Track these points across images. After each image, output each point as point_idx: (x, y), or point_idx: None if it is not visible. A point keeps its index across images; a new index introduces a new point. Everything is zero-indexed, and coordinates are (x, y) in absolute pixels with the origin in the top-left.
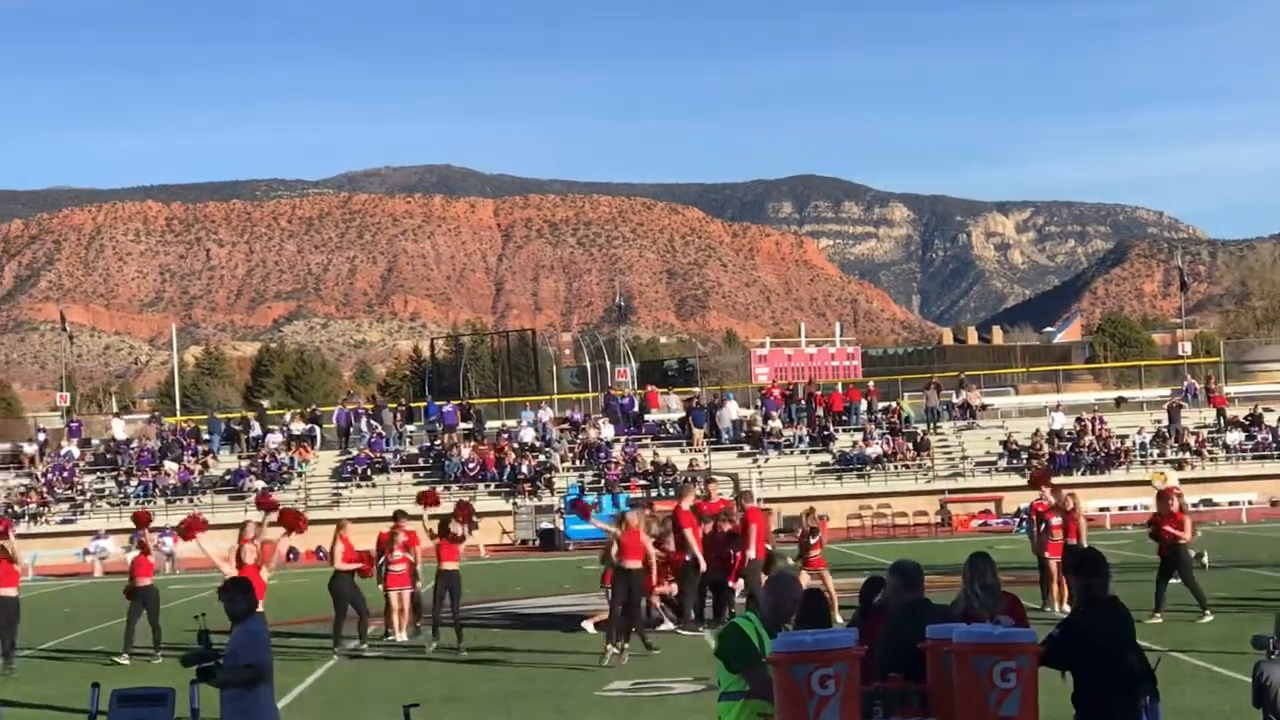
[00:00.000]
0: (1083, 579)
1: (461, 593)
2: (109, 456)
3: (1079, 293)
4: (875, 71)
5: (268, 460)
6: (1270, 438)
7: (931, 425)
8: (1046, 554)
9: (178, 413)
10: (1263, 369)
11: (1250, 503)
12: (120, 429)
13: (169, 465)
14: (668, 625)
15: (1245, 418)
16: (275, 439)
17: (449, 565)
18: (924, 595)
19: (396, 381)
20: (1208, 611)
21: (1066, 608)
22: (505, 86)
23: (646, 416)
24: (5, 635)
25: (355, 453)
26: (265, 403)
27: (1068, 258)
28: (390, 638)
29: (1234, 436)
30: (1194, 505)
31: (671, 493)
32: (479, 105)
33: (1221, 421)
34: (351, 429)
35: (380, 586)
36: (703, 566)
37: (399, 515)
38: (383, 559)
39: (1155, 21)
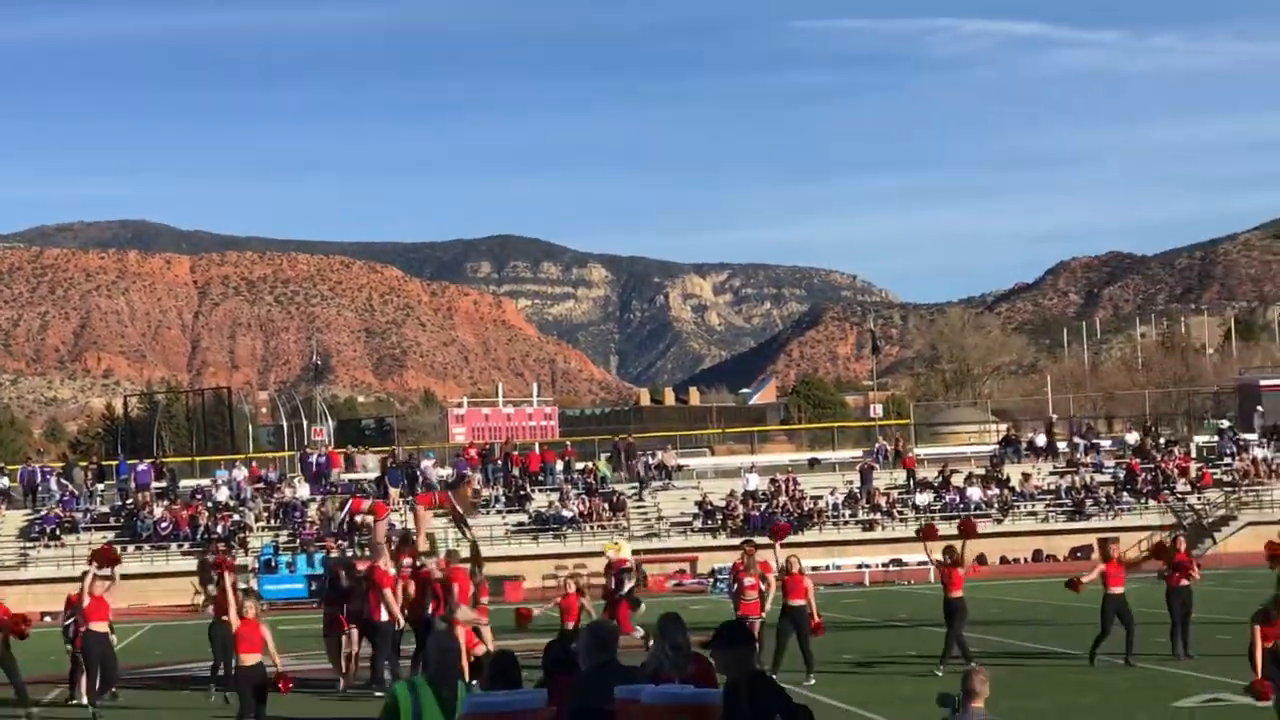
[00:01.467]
0: (736, 650)
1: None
2: None
3: (774, 354)
4: (575, 133)
5: None
6: (958, 498)
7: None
8: (741, 613)
9: None
10: (951, 431)
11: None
12: None
13: None
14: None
15: (934, 479)
16: None
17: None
18: (614, 656)
19: (89, 439)
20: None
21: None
22: (203, 143)
23: (344, 476)
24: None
25: (44, 512)
26: None
27: (764, 320)
28: (74, 701)
29: (923, 498)
30: (883, 565)
31: (368, 553)
32: (176, 161)
33: (911, 483)
34: (40, 488)
35: (68, 647)
36: (400, 625)
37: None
38: (72, 619)
39: (844, 89)
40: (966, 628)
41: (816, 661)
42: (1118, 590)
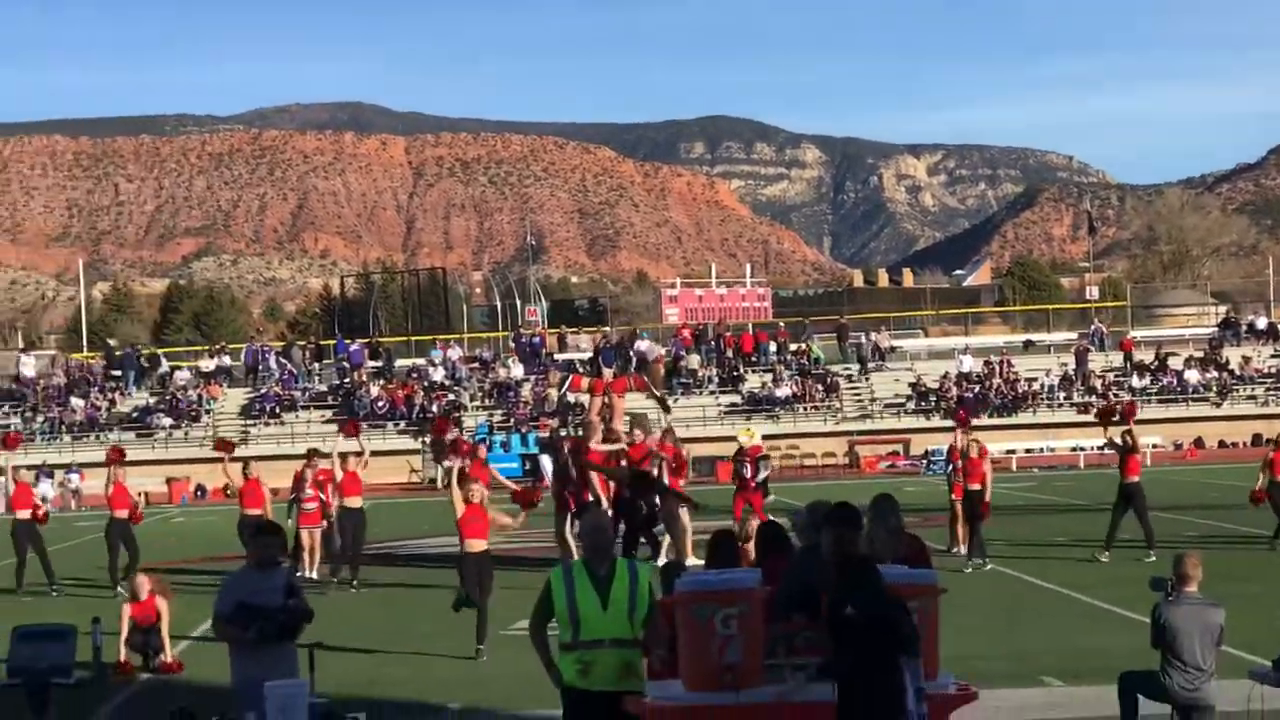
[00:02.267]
0: (834, 530)
1: (364, 531)
2: (16, 392)
3: (989, 236)
4: (789, 12)
5: (175, 398)
6: (1175, 382)
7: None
8: (954, 496)
9: (84, 349)
10: (1168, 313)
11: (1154, 446)
12: (30, 366)
13: (75, 402)
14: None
15: (1151, 362)
16: (184, 376)
17: (352, 502)
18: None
19: (306, 319)
20: (1152, 552)
21: (961, 549)
22: (419, 24)
23: (556, 356)
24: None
25: (264, 390)
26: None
27: (978, 201)
28: (300, 575)
29: (1140, 380)
30: (1099, 448)
31: (579, 432)
32: (392, 43)
33: (1128, 365)
34: (260, 367)
35: (290, 523)
36: (604, 505)
37: (312, 453)
38: (295, 496)
39: None
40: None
41: (986, 547)
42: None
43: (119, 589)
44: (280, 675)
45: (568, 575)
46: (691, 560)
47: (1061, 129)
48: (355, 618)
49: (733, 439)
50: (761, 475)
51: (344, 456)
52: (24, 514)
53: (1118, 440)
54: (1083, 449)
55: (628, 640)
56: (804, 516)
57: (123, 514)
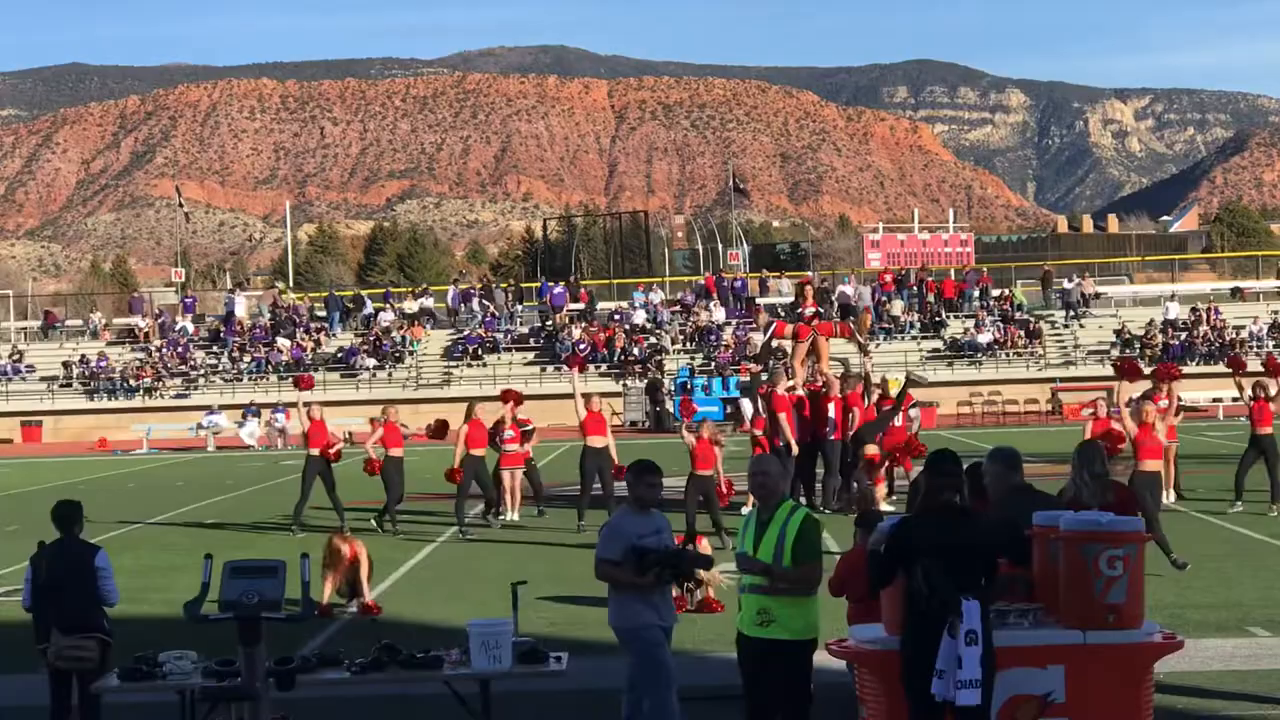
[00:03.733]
0: (940, 477)
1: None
2: (222, 334)
3: (1197, 181)
4: None
5: (380, 339)
6: None
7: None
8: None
9: (291, 290)
10: None
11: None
12: (241, 305)
13: (281, 342)
14: None
15: None
16: (388, 317)
17: (596, 442)
18: (1025, 480)
19: (508, 262)
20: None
21: (1171, 497)
22: None
23: (759, 300)
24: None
25: (466, 332)
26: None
27: (1186, 146)
28: (503, 516)
29: None
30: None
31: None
32: None
33: None
34: (463, 308)
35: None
36: (794, 450)
37: (509, 394)
38: (496, 438)
39: None
40: None
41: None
42: None
43: (295, 529)
44: (664, 618)
45: (746, 521)
46: (885, 506)
47: (1274, 71)
48: (560, 559)
49: (933, 385)
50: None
51: (587, 397)
52: (315, 451)
53: (1249, 392)
54: None
55: (764, 587)
56: (996, 464)
57: (316, 451)
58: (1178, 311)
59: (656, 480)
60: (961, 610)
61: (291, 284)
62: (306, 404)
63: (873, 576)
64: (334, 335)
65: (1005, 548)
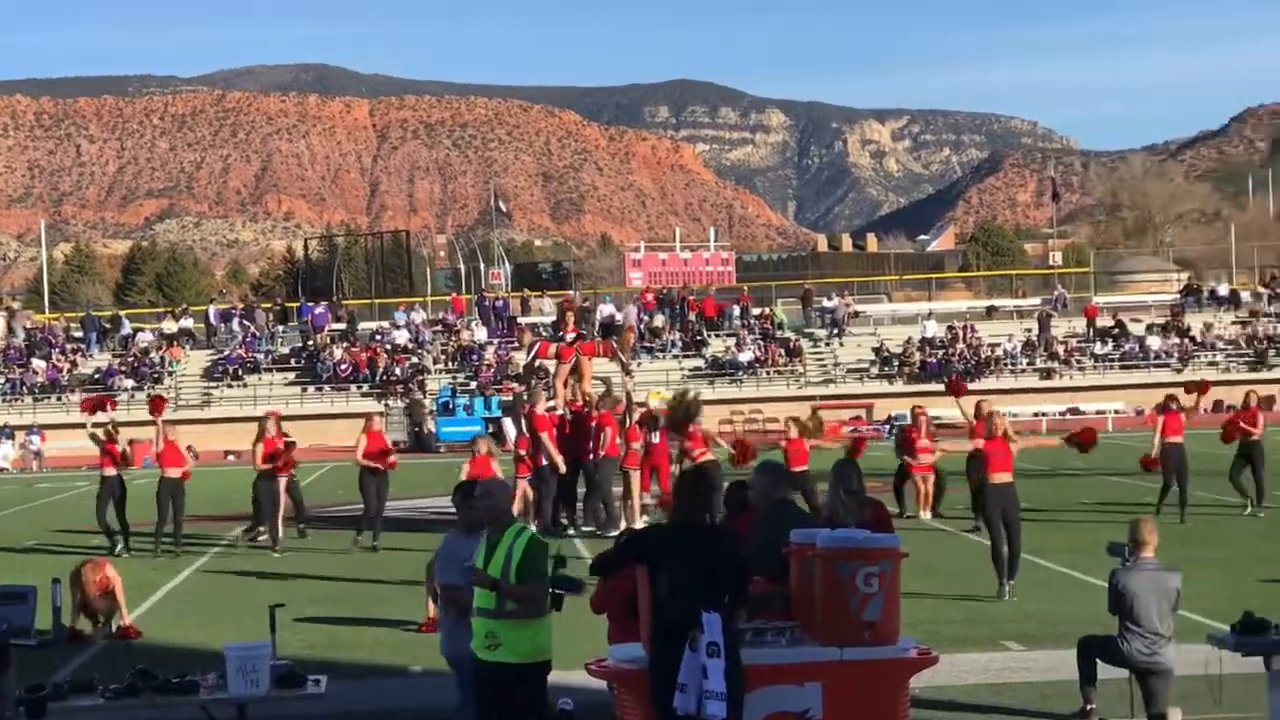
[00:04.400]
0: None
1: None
2: None
3: (953, 201)
4: None
5: (137, 359)
6: (1137, 348)
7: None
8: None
9: (46, 310)
10: (1131, 280)
11: (1116, 412)
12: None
13: (36, 363)
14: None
15: (1112, 328)
16: (146, 338)
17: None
18: (790, 496)
19: (269, 282)
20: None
21: (926, 514)
22: None
23: (521, 319)
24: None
25: (227, 353)
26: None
27: (942, 166)
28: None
29: (1102, 347)
30: (1061, 413)
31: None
32: (357, 4)
33: (1090, 331)
34: (223, 329)
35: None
36: (560, 469)
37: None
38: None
39: None
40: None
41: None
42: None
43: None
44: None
45: (480, 543)
46: (639, 523)
47: (1026, 94)
48: (319, 580)
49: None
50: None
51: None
52: (174, 472)
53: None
54: (1045, 414)
55: (490, 610)
56: (763, 476)
57: (174, 472)
58: (935, 329)
59: (485, 503)
60: (701, 622)
61: (48, 304)
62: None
63: (607, 562)
64: (91, 356)
65: (752, 565)
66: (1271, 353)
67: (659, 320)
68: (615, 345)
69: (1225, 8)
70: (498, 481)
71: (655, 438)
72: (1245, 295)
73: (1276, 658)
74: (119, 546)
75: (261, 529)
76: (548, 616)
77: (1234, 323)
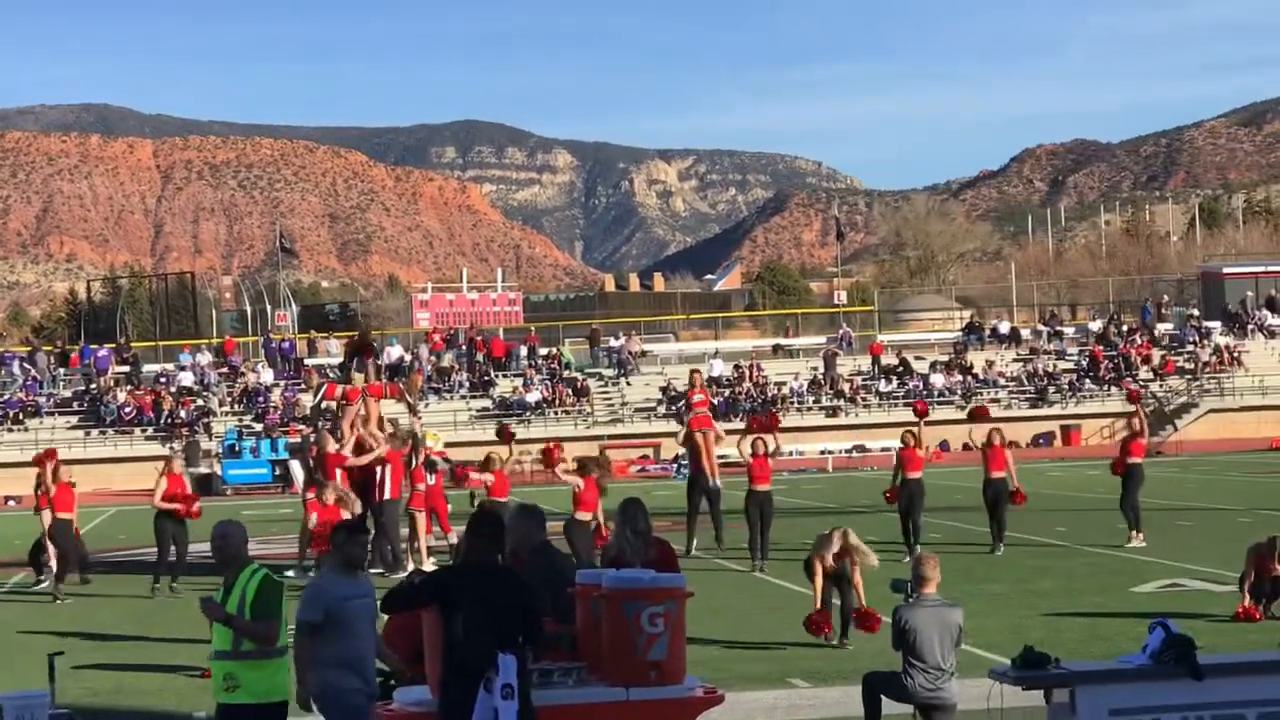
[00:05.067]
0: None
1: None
2: None
3: (739, 241)
4: (538, 16)
5: None
6: (921, 385)
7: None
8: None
9: None
10: (915, 318)
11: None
12: None
13: None
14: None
15: (897, 365)
16: None
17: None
18: (547, 538)
19: (52, 324)
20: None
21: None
22: (166, 25)
23: (307, 361)
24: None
25: (7, 396)
26: None
27: (729, 206)
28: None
29: (886, 384)
30: (847, 451)
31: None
32: (137, 44)
33: (875, 369)
34: (2, 372)
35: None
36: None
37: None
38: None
39: None
40: (927, 513)
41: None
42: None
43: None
44: (369, 682)
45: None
46: (428, 565)
47: (810, 135)
48: (102, 626)
49: (483, 444)
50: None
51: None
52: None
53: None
54: (830, 452)
55: (226, 652)
56: (526, 520)
57: (65, 515)
58: (722, 368)
59: (366, 540)
60: (497, 664)
61: None
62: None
63: (399, 599)
64: None
65: (544, 607)
66: (1051, 389)
67: (447, 360)
68: (403, 386)
69: (1005, 53)
70: (234, 524)
71: (431, 480)
72: (1025, 333)
73: (1056, 691)
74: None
75: (169, 568)
76: (285, 657)
77: (1015, 360)
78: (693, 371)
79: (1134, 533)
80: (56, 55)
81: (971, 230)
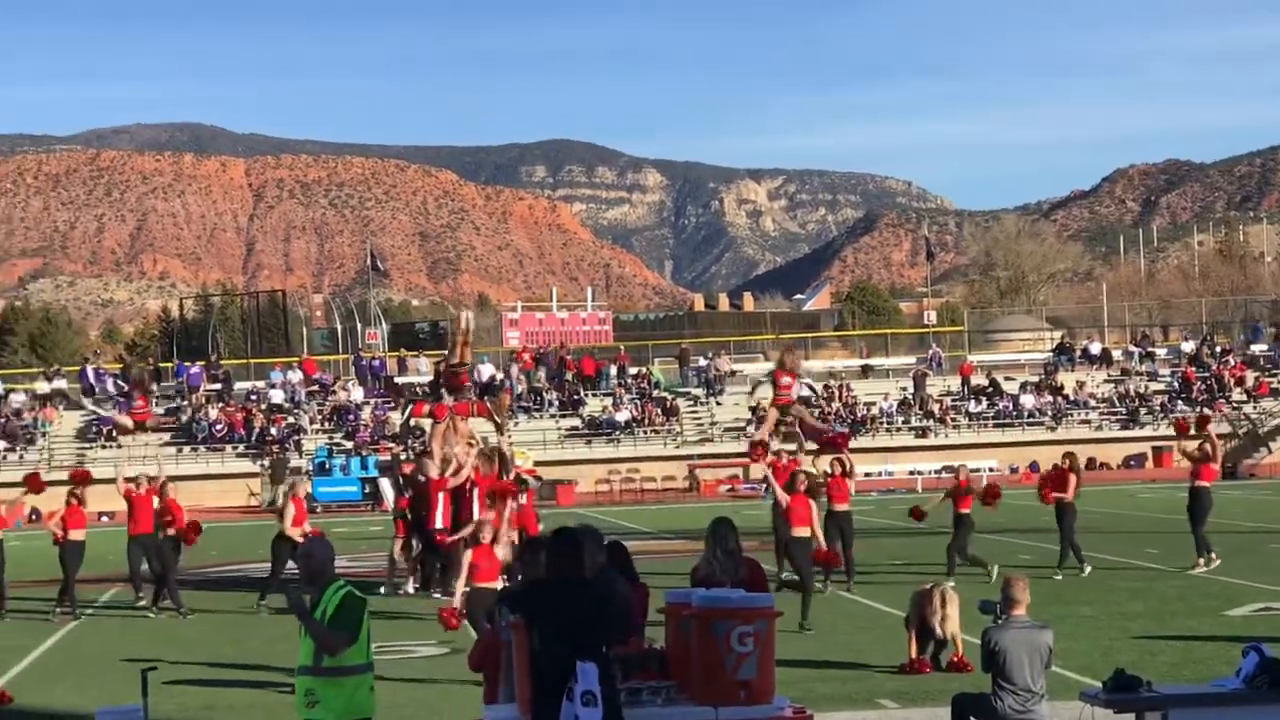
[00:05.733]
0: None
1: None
2: None
3: (829, 261)
4: (631, 36)
5: (8, 421)
6: (1010, 406)
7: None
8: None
9: None
10: (1004, 338)
11: (991, 469)
12: None
13: None
14: (410, 588)
15: (986, 386)
16: (18, 398)
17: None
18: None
19: (145, 341)
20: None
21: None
22: (259, 45)
23: (398, 379)
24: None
25: (101, 413)
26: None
27: (818, 225)
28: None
29: (976, 405)
30: (936, 472)
31: (410, 457)
32: (231, 63)
33: (965, 390)
34: (97, 389)
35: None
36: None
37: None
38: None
39: None
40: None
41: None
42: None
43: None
44: None
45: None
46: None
47: (901, 154)
48: (192, 642)
49: (572, 463)
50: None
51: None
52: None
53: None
54: (920, 473)
55: (308, 667)
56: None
57: (77, 535)
58: (811, 388)
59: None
60: (576, 671)
61: None
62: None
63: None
64: None
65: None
66: (1143, 411)
67: (538, 379)
68: (490, 405)
69: (1093, 71)
70: (320, 541)
71: (523, 498)
72: (1117, 354)
73: (1148, 715)
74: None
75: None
76: (366, 675)
77: (1106, 381)
78: (784, 350)
79: (1201, 558)
80: (151, 75)
81: (1063, 250)
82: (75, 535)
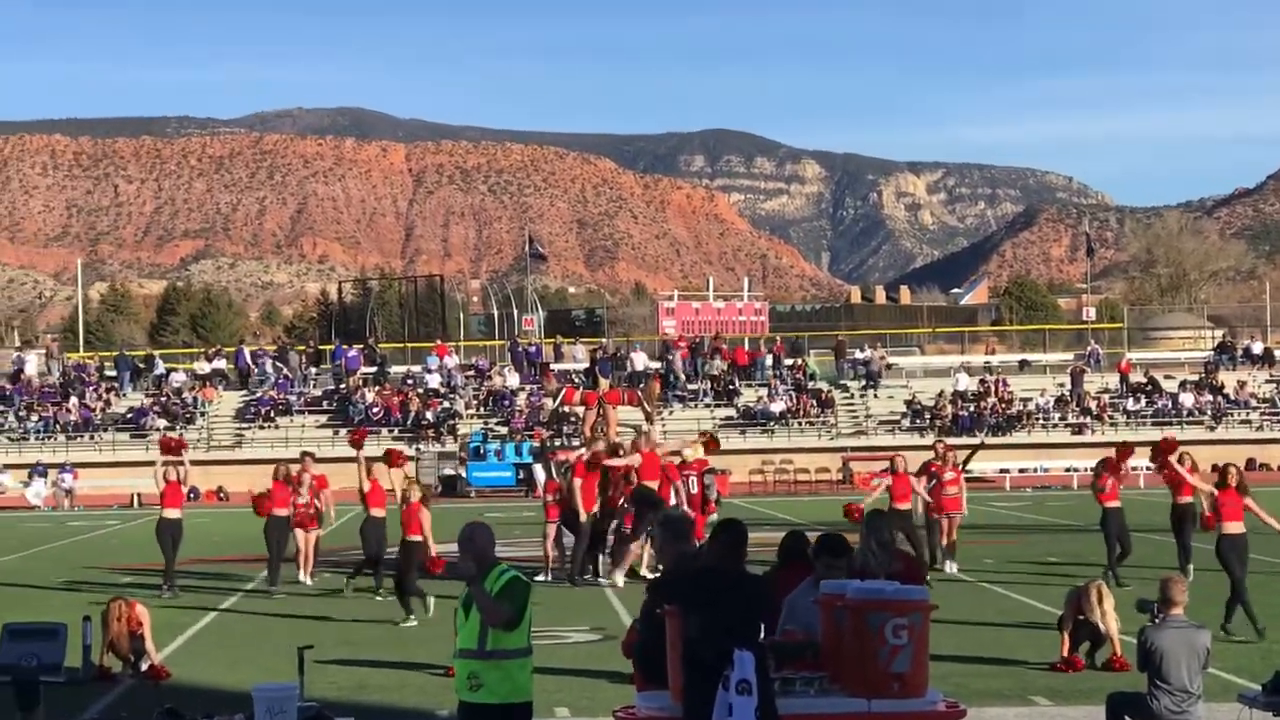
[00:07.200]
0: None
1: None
2: (8, 392)
3: (987, 255)
4: (790, 26)
5: (170, 399)
6: (1169, 404)
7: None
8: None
9: (81, 349)
10: (1164, 336)
11: (1148, 468)
12: (31, 364)
13: (70, 401)
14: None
15: (1145, 384)
16: (179, 378)
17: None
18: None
19: (303, 324)
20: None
21: (952, 566)
22: (421, 31)
23: (553, 366)
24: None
25: (259, 394)
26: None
27: (977, 220)
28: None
29: (1135, 403)
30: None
31: (574, 443)
32: (393, 49)
33: (1123, 387)
34: (256, 370)
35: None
36: (582, 517)
37: (306, 456)
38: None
39: None
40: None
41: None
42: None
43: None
44: None
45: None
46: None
47: (1062, 149)
48: (347, 623)
49: (727, 453)
50: (711, 492)
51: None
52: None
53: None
54: (1076, 469)
55: (471, 650)
56: (663, 531)
57: (172, 513)
58: (967, 382)
59: None
60: (733, 659)
61: (82, 343)
62: (166, 464)
63: (649, 603)
64: (124, 395)
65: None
66: None
67: (696, 368)
68: (641, 394)
69: (1263, 64)
70: (481, 524)
71: (693, 487)
72: (1279, 354)
73: None
74: (167, 589)
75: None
76: (528, 659)
77: (1268, 381)
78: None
79: None
80: (314, 59)
81: (1225, 249)
82: (280, 513)
